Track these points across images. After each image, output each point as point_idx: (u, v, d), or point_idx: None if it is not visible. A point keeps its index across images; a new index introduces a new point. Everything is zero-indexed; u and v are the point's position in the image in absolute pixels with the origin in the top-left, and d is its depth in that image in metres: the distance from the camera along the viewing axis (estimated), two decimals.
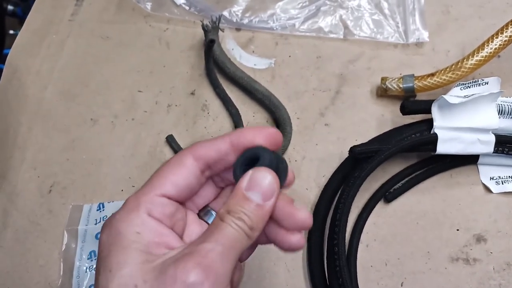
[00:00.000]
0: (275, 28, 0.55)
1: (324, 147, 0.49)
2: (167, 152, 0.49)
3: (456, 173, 0.47)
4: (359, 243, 0.43)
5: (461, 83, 0.46)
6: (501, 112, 0.43)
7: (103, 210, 0.46)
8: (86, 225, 0.45)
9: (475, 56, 0.46)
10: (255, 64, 0.54)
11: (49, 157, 0.49)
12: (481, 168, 0.47)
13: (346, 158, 0.46)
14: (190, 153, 0.28)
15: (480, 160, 0.46)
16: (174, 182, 0.27)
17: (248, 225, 0.26)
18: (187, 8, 0.56)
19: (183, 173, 0.28)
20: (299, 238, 0.28)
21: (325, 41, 0.54)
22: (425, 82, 0.47)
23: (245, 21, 0.55)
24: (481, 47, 0.46)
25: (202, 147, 0.28)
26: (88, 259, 0.44)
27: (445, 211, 0.45)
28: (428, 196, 0.46)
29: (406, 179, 0.46)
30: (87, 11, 0.58)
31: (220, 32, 0.52)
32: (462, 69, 0.46)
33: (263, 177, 0.27)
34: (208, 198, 0.31)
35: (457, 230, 0.44)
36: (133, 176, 0.48)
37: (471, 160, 0.46)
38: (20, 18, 1.01)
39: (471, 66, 0.46)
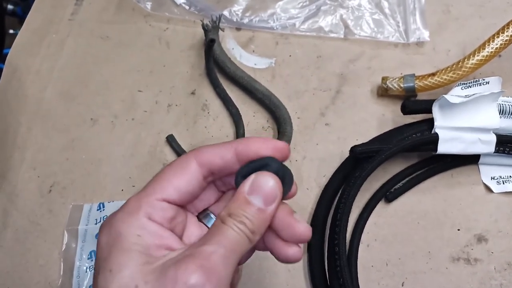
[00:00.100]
0: (275, 28, 0.55)
1: (325, 146, 0.48)
2: (167, 152, 0.49)
3: (457, 173, 0.46)
4: (360, 243, 0.43)
5: (462, 82, 0.46)
6: (502, 112, 0.43)
7: (103, 210, 0.46)
8: (86, 225, 0.45)
9: (476, 55, 0.46)
10: (255, 64, 0.53)
11: (49, 157, 0.49)
12: (482, 168, 0.46)
13: (347, 158, 0.46)
14: (194, 158, 0.28)
15: (481, 160, 0.45)
16: (176, 186, 0.27)
17: (249, 228, 0.26)
18: (187, 7, 0.56)
19: (186, 178, 0.27)
20: (296, 251, 0.27)
21: (326, 41, 0.54)
22: (426, 82, 0.47)
23: (245, 20, 0.55)
24: (482, 46, 0.46)
25: (206, 153, 0.28)
26: (88, 259, 0.44)
27: (446, 211, 0.45)
28: (429, 196, 0.46)
29: (407, 179, 0.46)
30: (87, 10, 0.58)
31: (220, 32, 0.52)
32: (463, 69, 0.46)
33: (266, 181, 0.26)
34: (209, 201, 0.31)
35: (458, 230, 0.44)
36: (133, 176, 0.48)
37: (472, 160, 0.46)
38: (20, 17, 1.01)
39: (472, 66, 0.46)
